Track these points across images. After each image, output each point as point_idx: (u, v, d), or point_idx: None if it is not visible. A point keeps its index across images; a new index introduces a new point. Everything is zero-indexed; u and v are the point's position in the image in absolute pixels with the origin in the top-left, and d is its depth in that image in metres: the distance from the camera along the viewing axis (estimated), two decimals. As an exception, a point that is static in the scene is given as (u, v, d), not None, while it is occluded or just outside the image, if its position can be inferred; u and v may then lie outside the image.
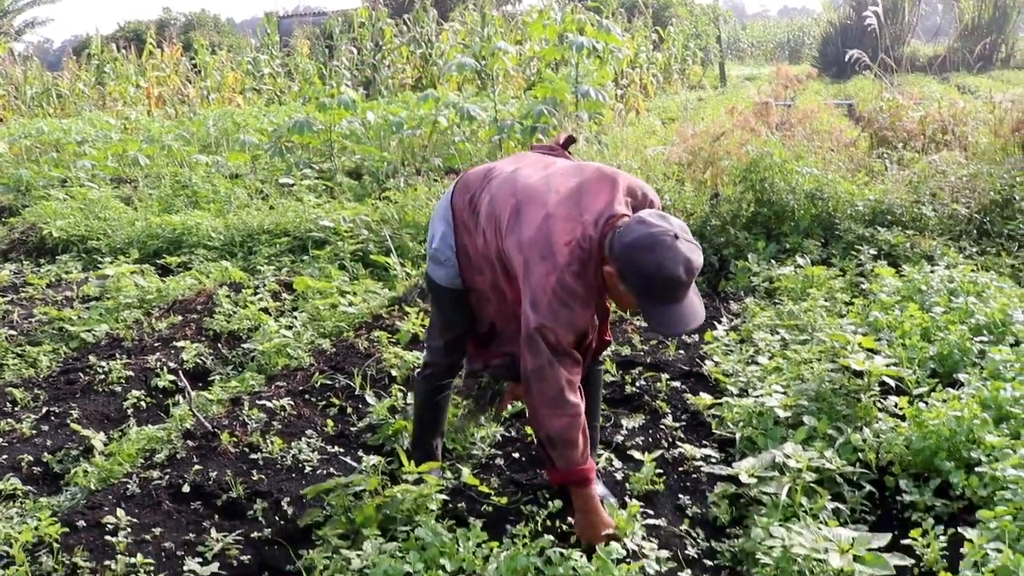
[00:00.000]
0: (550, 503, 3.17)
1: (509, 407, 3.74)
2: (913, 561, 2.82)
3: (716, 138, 7.12)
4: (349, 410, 4.19)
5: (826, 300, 5.13)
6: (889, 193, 6.70)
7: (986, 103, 9.91)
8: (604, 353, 4.43)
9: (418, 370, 3.54)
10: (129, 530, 3.20)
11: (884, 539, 2.86)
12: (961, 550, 2.70)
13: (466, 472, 3.36)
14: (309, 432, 3.93)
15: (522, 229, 2.75)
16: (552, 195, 2.79)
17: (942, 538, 2.86)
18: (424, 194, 7.57)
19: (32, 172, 10.21)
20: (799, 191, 6.49)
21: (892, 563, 2.75)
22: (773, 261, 6.03)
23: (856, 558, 2.75)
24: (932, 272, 5.18)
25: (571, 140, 3.33)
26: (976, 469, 3.17)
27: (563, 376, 2.72)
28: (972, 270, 5.27)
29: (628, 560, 2.82)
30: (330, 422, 4.04)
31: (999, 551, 2.55)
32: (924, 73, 22.85)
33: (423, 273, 6.03)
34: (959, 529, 2.89)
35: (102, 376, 4.60)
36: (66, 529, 3.18)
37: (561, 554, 2.79)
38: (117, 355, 4.93)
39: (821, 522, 3.00)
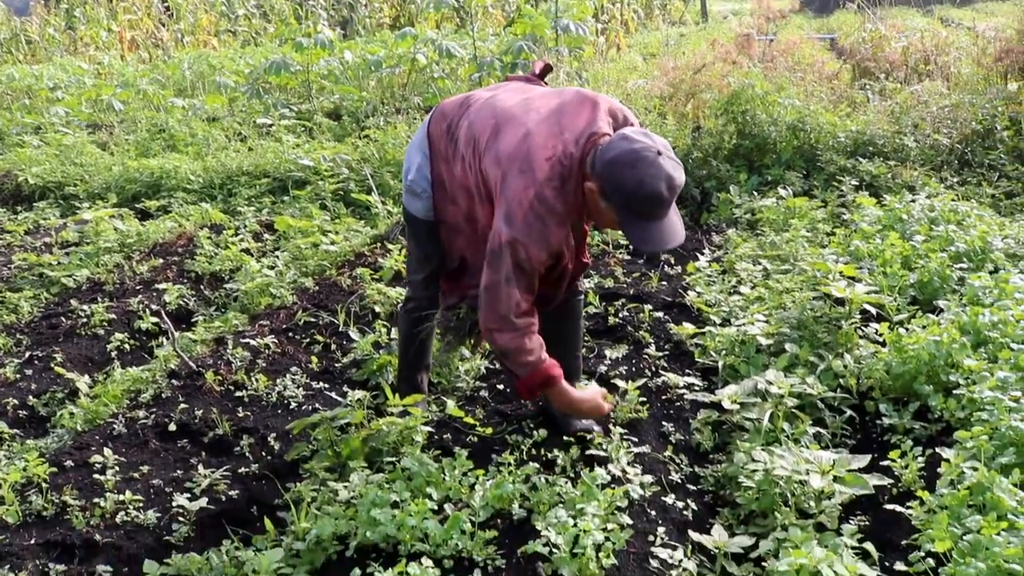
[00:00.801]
0: (535, 432, 3.20)
1: None
2: (892, 481, 2.87)
3: (697, 70, 7.06)
4: (333, 347, 4.20)
5: (808, 231, 5.14)
6: (871, 124, 6.69)
7: (969, 33, 9.85)
8: (586, 286, 4.45)
9: (400, 305, 3.54)
10: (117, 469, 3.22)
11: (864, 460, 2.92)
12: (938, 470, 2.76)
13: (451, 404, 3.38)
14: (294, 369, 3.94)
15: (500, 145, 2.74)
16: (532, 115, 2.77)
17: (920, 459, 2.92)
18: (404, 132, 7.50)
19: (4, 119, 10.02)
20: (781, 123, 6.47)
21: (871, 483, 2.80)
22: (755, 193, 6.02)
23: (836, 479, 2.80)
24: (913, 202, 5.19)
25: (548, 69, 3.29)
26: (954, 392, 3.22)
27: (516, 297, 2.72)
28: (953, 199, 5.29)
29: (613, 485, 2.86)
30: (314, 359, 4.05)
31: (975, 469, 2.60)
32: (907, 6, 22.61)
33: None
34: (937, 450, 2.94)
35: (84, 320, 4.58)
36: (54, 469, 3.20)
37: (546, 480, 2.83)
38: (99, 299, 4.90)
39: (802, 446, 3.05)
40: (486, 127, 2.82)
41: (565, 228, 2.77)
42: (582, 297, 3.35)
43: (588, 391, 3.04)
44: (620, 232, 5.25)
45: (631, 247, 5.25)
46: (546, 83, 3.25)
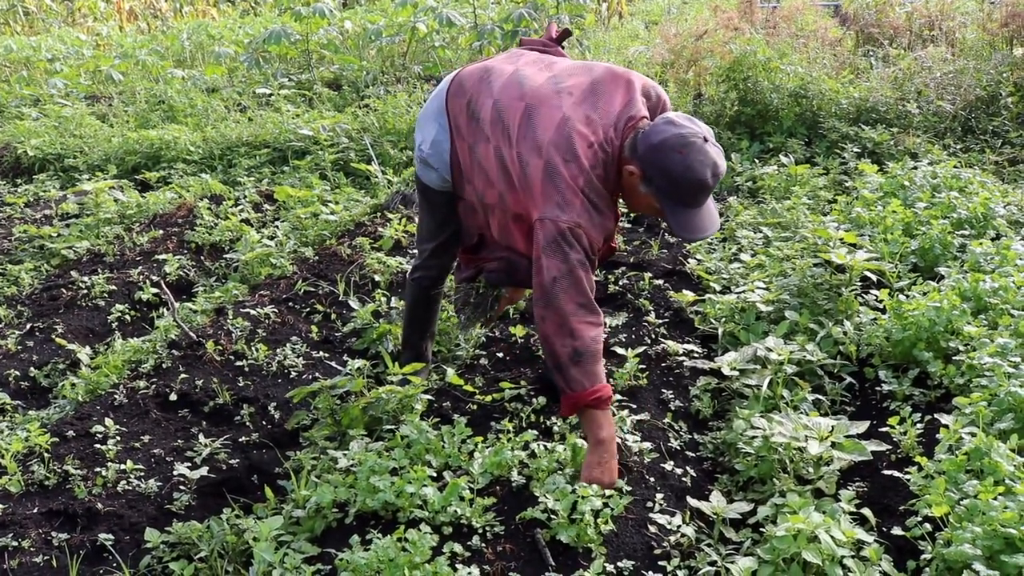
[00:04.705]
0: (534, 400, 3.20)
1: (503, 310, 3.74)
2: (890, 447, 2.88)
3: (699, 37, 6.99)
4: (333, 316, 4.20)
5: (809, 198, 5.11)
6: (874, 91, 6.64)
7: (974, -3, 9.73)
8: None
9: (408, 272, 3.51)
10: (118, 438, 3.23)
11: (862, 427, 2.92)
12: (937, 436, 2.76)
13: (450, 372, 3.38)
14: (294, 339, 3.94)
15: (537, 132, 2.66)
16: (565, 97, 2.70)
17: (919, 425, 2.92)
18: (404, 101, 7.45)
19: (3, 92, 9.97)
20: (783, 90, 6.42)
21: (870, 449, 2.80)
22: (756, 160, 5.99)
23: (835, 445, 2.80)
24: (915, 168, 5.16)
25: (566, 33, 3.19)
26: (954, 358, 3.21)
27: (589, 279, 2.63)
28: (955, 166, 5.25)
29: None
30: (314, 328, 4.05)
31: (973, 435, 2.60)
32: (913, -30, 22.41)
33: (404, 180, 5.99)
34: (935, 416, 2.95)
35: (85, 291, 4.59)
36: (56, 439, 3.22)
37: (545, 447, 2.83)
38: (99, 270, 4.91)
39: (802, 413, 3.06)
40: (515, 111, 2.73)
41: (613, 212, 2.73)
42: None
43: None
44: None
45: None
46: (563, 47, 3.16)
